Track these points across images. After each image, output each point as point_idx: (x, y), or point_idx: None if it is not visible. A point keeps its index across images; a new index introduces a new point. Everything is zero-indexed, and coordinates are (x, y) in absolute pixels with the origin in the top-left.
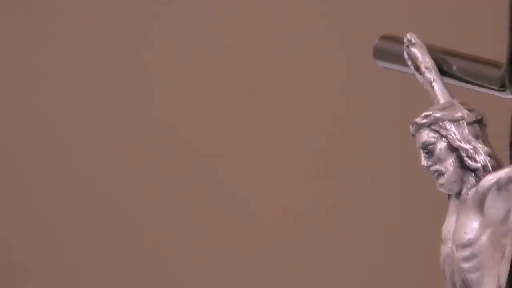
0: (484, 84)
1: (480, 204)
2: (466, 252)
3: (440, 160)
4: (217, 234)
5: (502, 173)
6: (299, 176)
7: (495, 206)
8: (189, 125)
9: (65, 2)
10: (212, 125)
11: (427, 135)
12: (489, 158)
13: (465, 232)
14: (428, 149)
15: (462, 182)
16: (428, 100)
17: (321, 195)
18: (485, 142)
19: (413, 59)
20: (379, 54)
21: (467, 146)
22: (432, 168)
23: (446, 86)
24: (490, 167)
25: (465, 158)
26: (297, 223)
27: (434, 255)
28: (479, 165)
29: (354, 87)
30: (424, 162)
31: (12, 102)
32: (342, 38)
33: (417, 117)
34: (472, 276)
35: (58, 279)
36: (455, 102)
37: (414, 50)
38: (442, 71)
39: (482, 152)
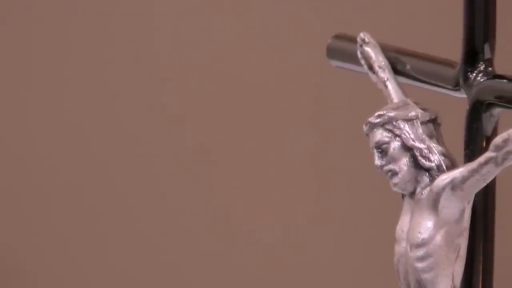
0: (438, 84)
1: (434, 204)
2: (420, 252)
3: (393, 160)
4: (216, 235)
5: (456, 173)
6: (297, 179)
7: (449, 206)
8: (191, 129)
9: (80, 4)
10: (211, 130)
11: (380, 135)
12: (443, 158)
13: (419, 232)
14: (382, 148)
15: (416, 182)
16: (382, 99)
17: (318, 200)
18: (439, 142)
19: (367, 58)
20: (333, 53)
21: (421, 146)
22: (386, 168)
23: (399, 85)
24: (444, 167)
25: (419, 158)
26: (296, 224)
27: (389, 254)
28: (433, 164)
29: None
30: (377, 161)
31: (17, 99)
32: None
33: (370, 117)
34: (426, 276)
35: (59, 279)
36: (409, 101)
37: (368, 49)
38: (396, 70)
39: (436, 152)
